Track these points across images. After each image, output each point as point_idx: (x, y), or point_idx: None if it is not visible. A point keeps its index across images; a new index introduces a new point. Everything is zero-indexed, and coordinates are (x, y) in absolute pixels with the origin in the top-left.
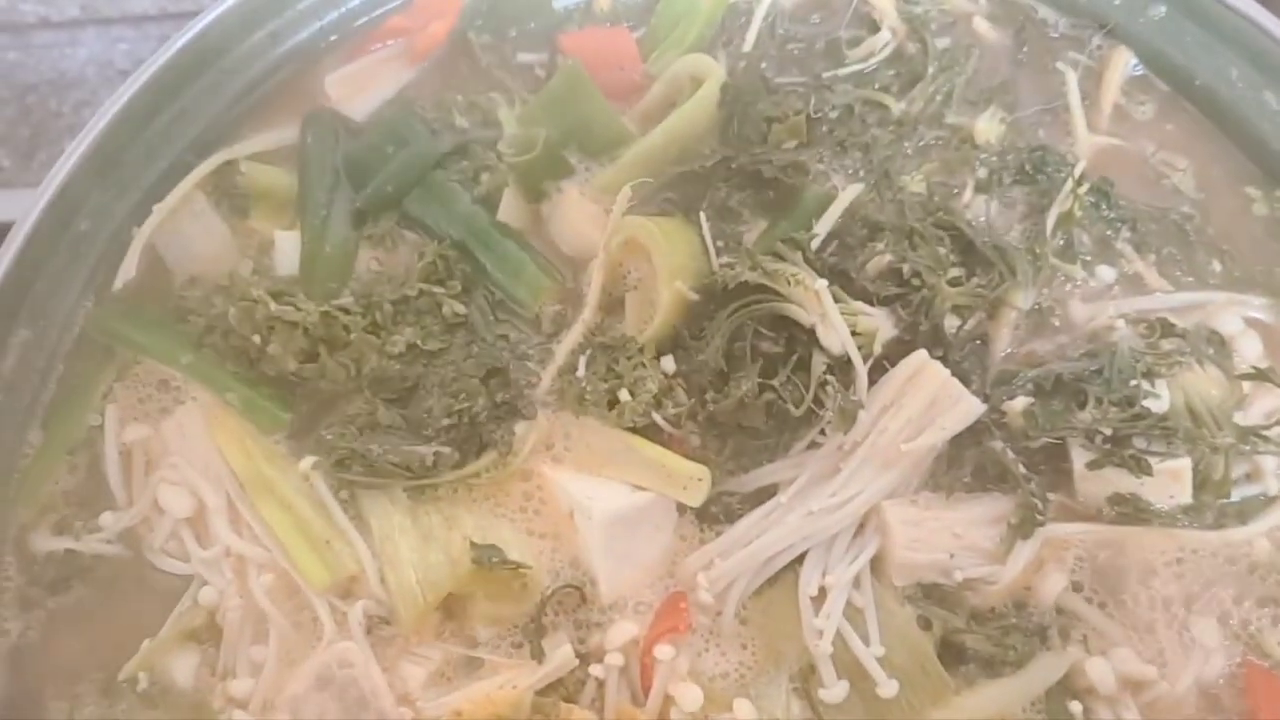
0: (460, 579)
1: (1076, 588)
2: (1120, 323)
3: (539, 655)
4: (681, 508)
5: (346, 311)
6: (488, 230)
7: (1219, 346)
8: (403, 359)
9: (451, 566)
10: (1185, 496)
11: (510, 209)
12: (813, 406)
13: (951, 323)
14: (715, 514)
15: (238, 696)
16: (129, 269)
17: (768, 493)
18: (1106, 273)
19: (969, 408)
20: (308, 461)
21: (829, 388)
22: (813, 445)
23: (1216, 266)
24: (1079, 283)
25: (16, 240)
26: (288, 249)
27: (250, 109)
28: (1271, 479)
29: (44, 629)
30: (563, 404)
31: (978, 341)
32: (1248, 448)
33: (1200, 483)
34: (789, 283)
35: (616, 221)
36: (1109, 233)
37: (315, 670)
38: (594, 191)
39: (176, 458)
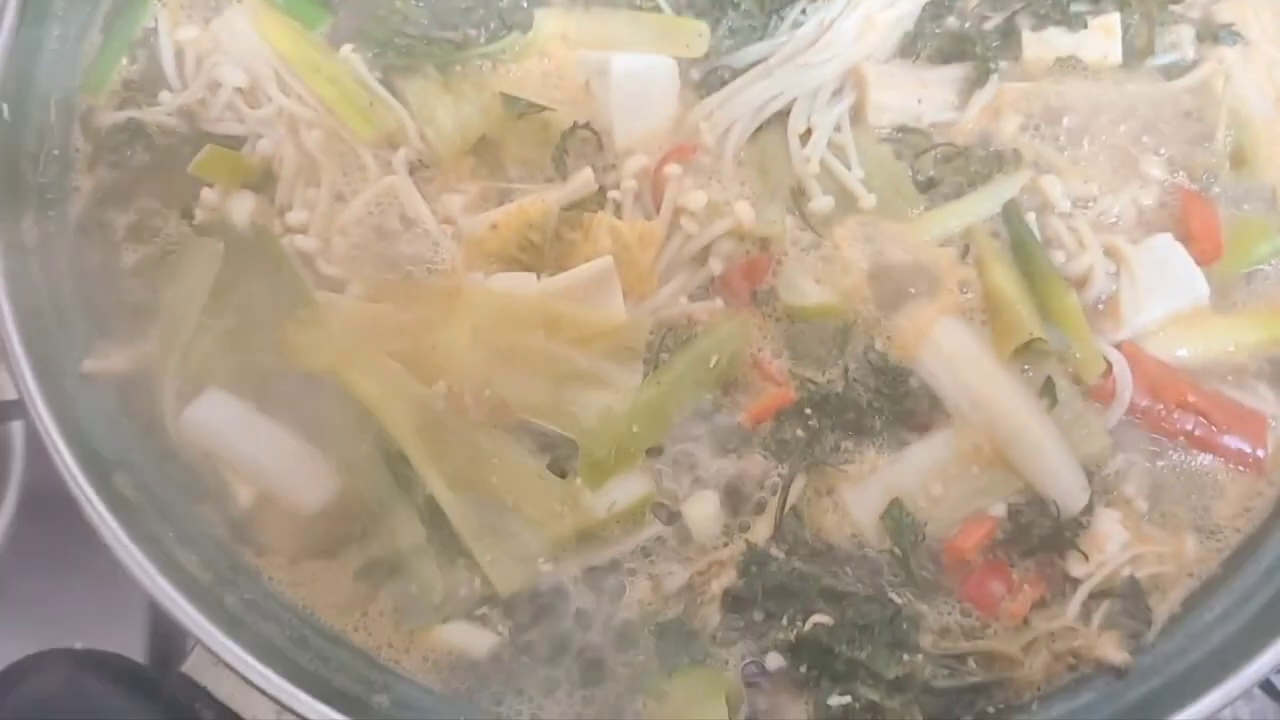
0: (492, 122)
1: (1028, 128)
2: None
3: (562, 172)
4: (684, 77)
5: None
6: None
7: None
8: None
9: (483, 113)
10: (1116, 54)
11: None
12: None
13: None
14: (712, 83)
15: (295, 224)
16: None
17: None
18: None
19: None
20: (347, 48)
21: None
22: (796, 25)
23: None
24: None
25: None
26: None
27: None
28: (1189, 48)
29: (110, 188)
30: (575, 1)
31: None
32: (1167, 16)
33: (1128, 48)
34: None
35: None
36: None
37: (365, 202)
38: None
39: (228, 46)
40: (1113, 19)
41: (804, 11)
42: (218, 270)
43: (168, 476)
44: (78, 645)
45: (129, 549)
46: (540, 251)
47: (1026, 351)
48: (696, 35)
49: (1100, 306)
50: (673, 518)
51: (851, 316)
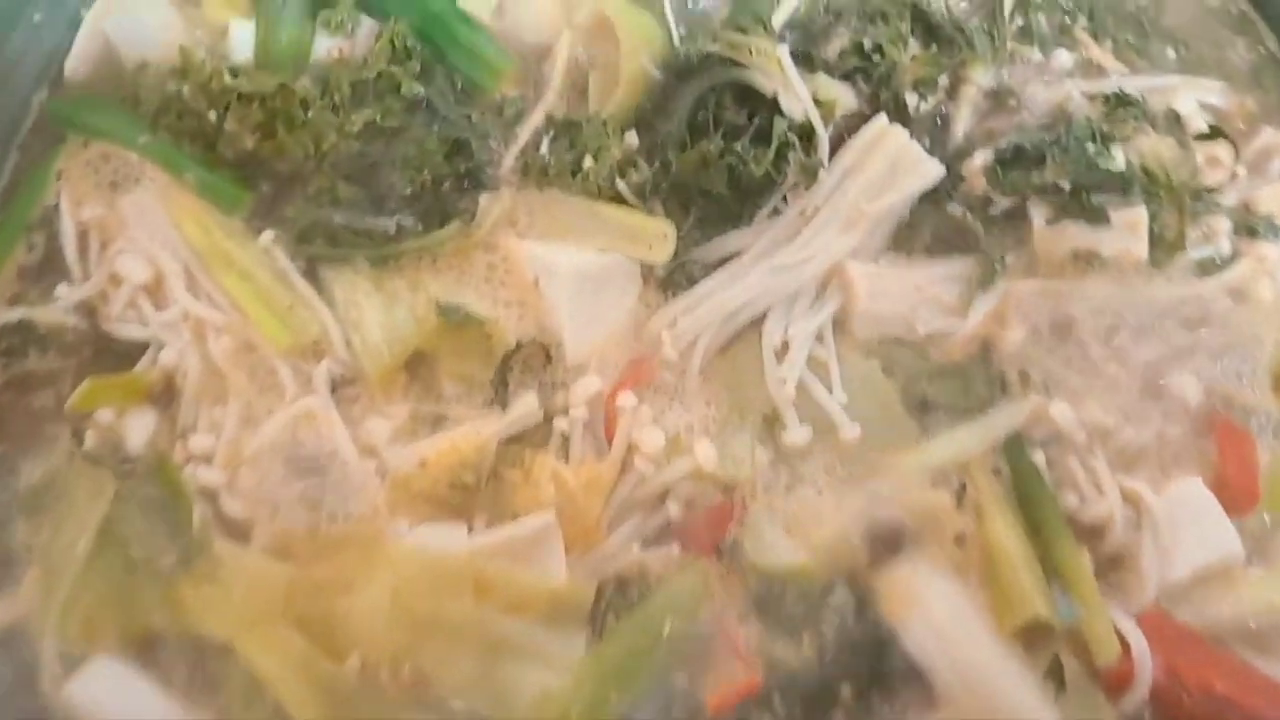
0: (426, 335)
1: (1036, 341)
2: (1077, 94)
3: (504, 402)
4: (646, 274)
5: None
6: (447, 13)
7: (1173, 121)
8: (362, 137)
9: (417, 324)
10: (1141, 250)
11: None
12: (771, 172)
13: (913, 100)
14: (679, 281)
15: (198, 451)
16: (80, 55)
17: (731, 261)
18: (1064, 57)
19: (929, 169)
20: (268, 235)
21: (790, 152)
22: (775, 214)
23: (1171, 54)
24: (1037, 67)
25: None
26: (243, 37)
27: None
28: (1224, 240)
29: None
30: (526, 180)
31: (939, 123)
32: (1201, 206)
33: (1156, 241)
34: (751, 53)
35: None
36: (1066, 19)
37: (278, 427)
38: None
39: (134, 232)
40: (1138, 213)
41: (784, 199)
42: (106, 509)
43: None
44: None
45: None
46: (474, 493)
47: (1031, 625)
48: (661, 237)
49: (1118, 558)
50: None
51: (827, 576)
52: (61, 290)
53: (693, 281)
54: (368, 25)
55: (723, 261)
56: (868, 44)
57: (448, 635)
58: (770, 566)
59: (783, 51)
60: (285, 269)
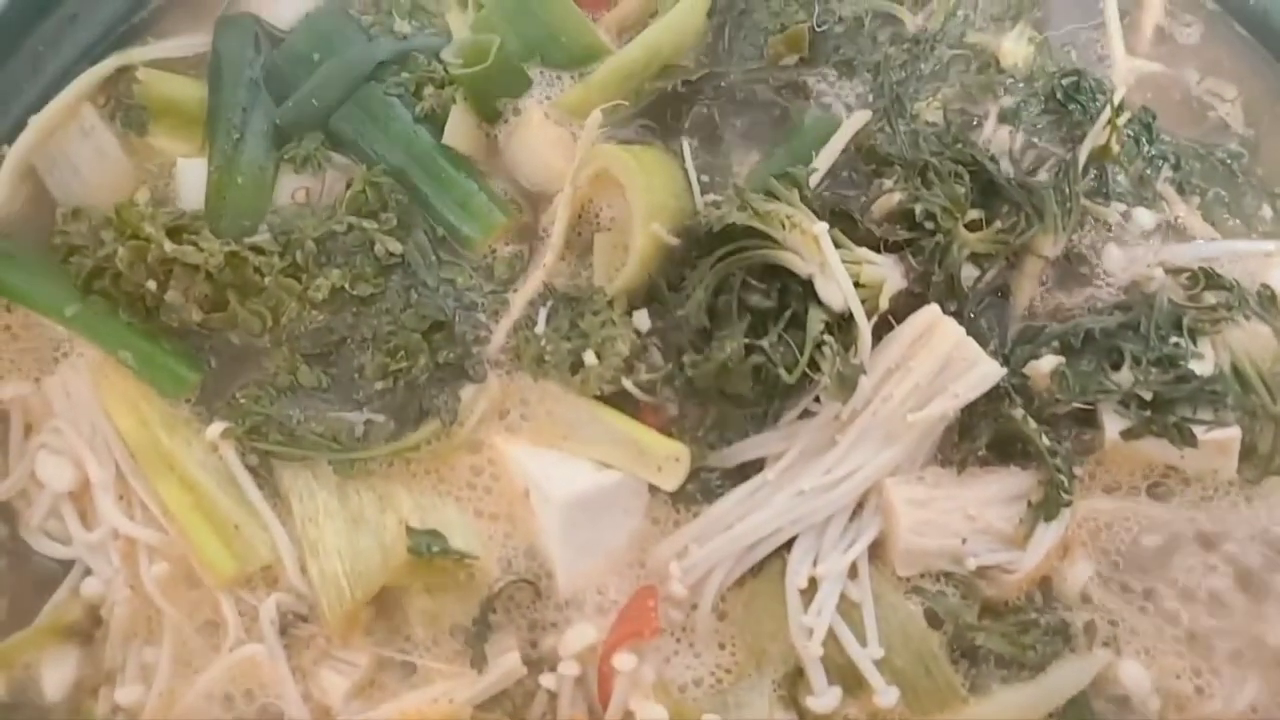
0: (394, 570)
1: (1106, 579)
2: (1159, 272)
3: (481, 664)
4: (654, 487)
5: (260, 251)
6: (430, 154)
7: (1269, 302)
8: (328, 306)
9: (384, 555)
10: (1230, 471)
11: (458, 131)
12: (807, 371)
13: (969, 273)
14: (692, 494)
15: (125, 705)
16: (3, 197)
17: (753, 469)
18: (1145, 217)
19: (986, 372)
20: (216, 428)
21: (826, 349)
22: (806, 415)
23: (1267, 212)
24: (1113, 228)
25: None
26: (192, 179)
27: (155, 11)
28: None
29: None
30: (518, 365)
31: (998, 295)
32: None
33: (1245, 454)
34: (784, 225)
35: (586, 149)
36: (1148, 171)
37: (217, 677)
38: (559, 113)
39: (60, 421)
40: (1231, 435)
41: (816, 400)
42: None
43: None
44: None
45: None
46: None
47: None
48: (672, 460)
49: None
50: None
51: None
52: None
53: (709, 493)
54: (339, 165)
55: (743, 468)
56: (919, 211)
57: None
58: None
59: (821, 231)
60: (234, 472)
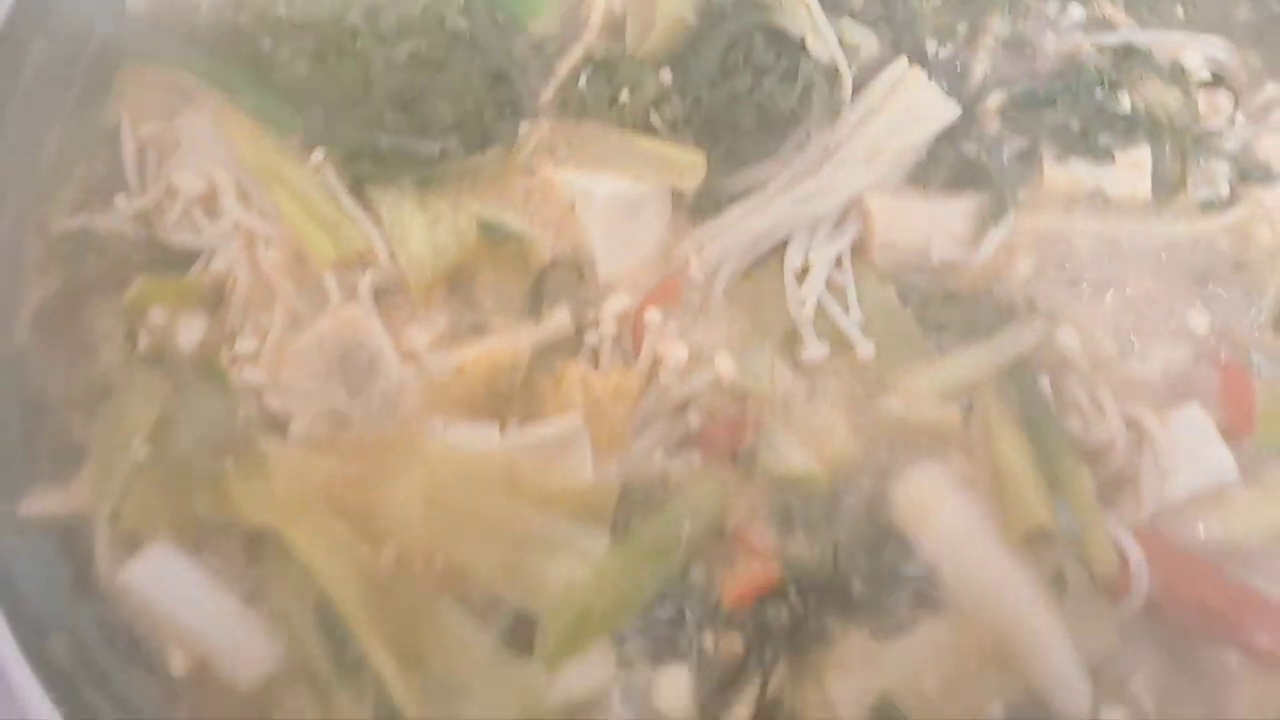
0: (466, 250)
1: (1043, 272)
2: (1087, 46)
3: (538, 315)
4: (676, 202)
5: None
6: None
7: (1179, 73)
8: (408, 67)
9: (458, 239)
10: (1145, 188)
11: None
12: (798, 108)
13: (932, 47)
14: (707, 209)
15: (244, 353)
16: None
17: (757, 191)
18: (1076, 10)
19: (947, 109)
20: (318, 155)
21: (816, 91)
22: (800, 149)
23: (1180, 12)
24: (1051, 19)
25: None
26: None
27: None
28: (1224, 184)
29: (56, 307)
30: (564, 113)
31: (956, 67)
32: (1202, 149)
33: (1159, 182)
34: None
35: None
36: None
37: (322, 331)
38: None
39: (189, 150)
40: (1142, 153)
41: (808, 134)
42: (159, 407)
43: (103, 637)
44: None
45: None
46: (507, 399)
47: (1036, 535)
48: (691, 167)
49: (1119, 479)
50: (640, 707)
51: (841, 483)
52: (120, 201)
53: (720, 210)
54: None
55: (749, 192)
56: None
57: (479, 528)
58: (785, 474)
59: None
60: (334, 187)
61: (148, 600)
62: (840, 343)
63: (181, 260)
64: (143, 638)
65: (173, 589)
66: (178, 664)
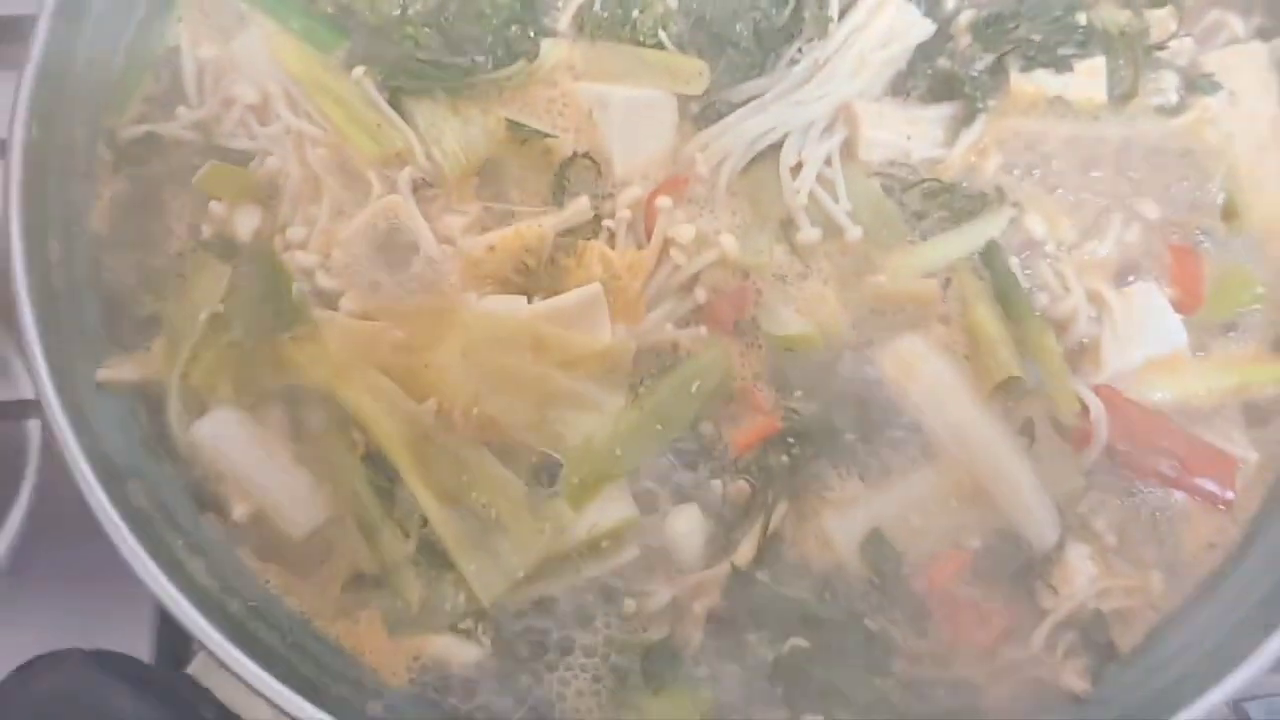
0: (496, 146)
1: (1012, 167)
2: None
3: (560, 203)
4: (683, 111)
5: None
6: None
7: None
8: None
9: (489, 136)
10: (1101, 95)
11: None
12: (790, 24)
13: None
14: (710, 117)
15: (295, 240)
16: None
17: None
18: None
19: (925, 26)
20: (359, 70)
21: (807, 9)
22: (793, 63)
23: None
24: None
25: None
26: None
27: None
28: (1172, 93)
29: (127, 202)
30: (582, 35)
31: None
32: (1151, 61)
33: (1114, 90)
34: None
35: None
36: None
37: (366, 218)
38: None
39: (244, 67)
40: (1098, 62)
41: (800, 50)
42: (222, 287)
43: (175, 486)
44: (88, 646)
45: (140, 557)
46: (534, 275)
47: (1007, 389)
48: (696, 74)
49: (1082, 347)
50: (656, 539)
51: (834, 347)
52: (181, 111)
53: (722, 118)
54: None
55: (748, 102)
56: None
57: (510, 385)
58: (781, 335)
59: None
60: (374, 97)
61: (213, 456)
62: (831, 228)
63: (237, 162)
64: (208, 488)
65: (236, 446)
66: (240, 512)
